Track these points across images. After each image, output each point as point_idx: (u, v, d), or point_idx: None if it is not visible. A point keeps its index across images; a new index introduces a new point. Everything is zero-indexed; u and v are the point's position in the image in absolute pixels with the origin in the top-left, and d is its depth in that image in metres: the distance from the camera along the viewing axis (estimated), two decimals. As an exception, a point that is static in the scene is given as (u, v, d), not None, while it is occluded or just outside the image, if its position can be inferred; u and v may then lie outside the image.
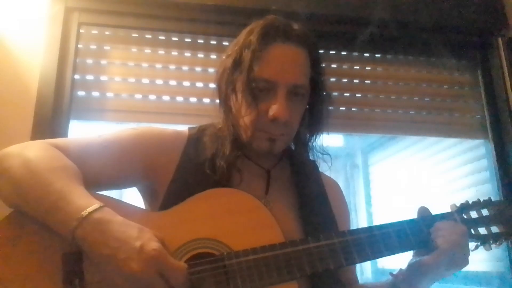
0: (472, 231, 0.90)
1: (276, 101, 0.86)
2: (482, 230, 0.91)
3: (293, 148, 1.03)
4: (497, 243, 0.91)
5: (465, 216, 0.92)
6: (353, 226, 0.96)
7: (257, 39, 0.88)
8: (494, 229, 0.91)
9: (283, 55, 0.88)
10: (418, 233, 0.87)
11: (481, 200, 0.94)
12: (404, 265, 0.88)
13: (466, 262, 0.86)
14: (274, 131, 0.88)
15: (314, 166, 1.03)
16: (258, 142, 0.90)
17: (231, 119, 0.92)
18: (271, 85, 0.87)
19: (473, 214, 0.93)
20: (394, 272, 0.89)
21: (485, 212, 0.93)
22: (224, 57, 0.97)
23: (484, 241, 0.90)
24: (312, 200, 0.96)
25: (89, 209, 0.70)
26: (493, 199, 0.94)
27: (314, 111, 0.98)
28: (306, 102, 0.94)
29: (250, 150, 0.94)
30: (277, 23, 0.90)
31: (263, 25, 0.90)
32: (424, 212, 0.91)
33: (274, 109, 0.86)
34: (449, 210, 0.93)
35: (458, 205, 0.94)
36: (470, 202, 0.94)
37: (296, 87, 0.88)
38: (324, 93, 0.98)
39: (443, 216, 0.91)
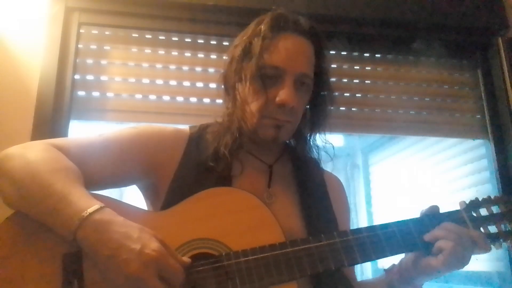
0: (482, 229, 0.87)
1: (283, 87, 0.88)
2: (492, 228, 0.88)
3: (294, 144, 1.03)
4: (508, 241, 0.87)
5: (474, 214, 0.89)
6: (353, 226, 0.95)
7: (267, 28, 0.90)
8: (505, 226, 0.88)
9: (292, 45, 0.90)
10: (423, 232, 0.84)
11: (492, 197, 0.91)
12: (397, 260, 0.87)
13: (468, 261, 0.84)
14: (280, 117, 0.89)
15: (316, 163, 1.03)
16: (264, 129, 0.91)
17: (238, 107, 0.93)
18: (280, 72, 0.88)
19: (483, 212, 0.90)
20: (390, 269, 0.89)
21: (495, 209, 0.90)
22: (231, 49, 0.98)
23: (494, 239, 0.87)
24: (313, 196, 0.96)
25: (90, 210, 0.70)
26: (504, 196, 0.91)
27: (316, 108, 0.99)
28: (310, 93, 0.95)
29: (253, 142, 0.95)
30: (286, 14, 0.93)
31: (273, 15, 0.93)
32: (432, 211, 0.89)
33: (281, 95, 0.87)
34: (457, 208, 0.90)
35: (467, 202, 0.90)
36: (480, 199, 0.91)
37: (303, 76, 0.90)
38: (327, 91, 0.99)
39: (450, 214, 0.88)
